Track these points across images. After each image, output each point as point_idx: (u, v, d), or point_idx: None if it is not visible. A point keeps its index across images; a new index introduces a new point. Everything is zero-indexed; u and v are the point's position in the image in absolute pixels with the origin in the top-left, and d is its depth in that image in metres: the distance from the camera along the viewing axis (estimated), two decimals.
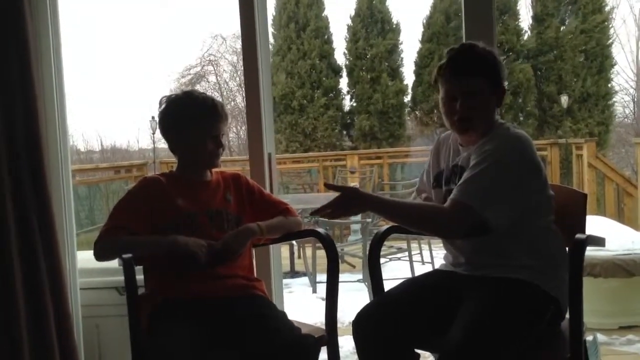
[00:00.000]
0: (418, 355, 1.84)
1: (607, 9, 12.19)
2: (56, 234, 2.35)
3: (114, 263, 1.90)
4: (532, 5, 12.53)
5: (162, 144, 2.40)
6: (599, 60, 12.00)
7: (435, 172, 2.01)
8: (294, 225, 2.16)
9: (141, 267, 2.01)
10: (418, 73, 12.37)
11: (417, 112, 12.41)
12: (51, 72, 2.46)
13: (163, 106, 2.06)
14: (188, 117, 2.01)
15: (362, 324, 1.82)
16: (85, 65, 20.26)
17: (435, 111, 11.64)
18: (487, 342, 1.58)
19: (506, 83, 1.88)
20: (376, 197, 1.83)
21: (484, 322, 1.63)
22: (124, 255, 1.82)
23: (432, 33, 12.11)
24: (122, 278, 1.80)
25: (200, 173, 2.09)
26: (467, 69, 1.80)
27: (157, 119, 2.12)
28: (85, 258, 2.55)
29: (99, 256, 1.94)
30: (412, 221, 1.81)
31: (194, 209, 2.00)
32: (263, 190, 2.22)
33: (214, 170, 2.13)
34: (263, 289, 2.08)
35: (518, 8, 12.28)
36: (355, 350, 1.87)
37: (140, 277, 1.94)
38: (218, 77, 18.51)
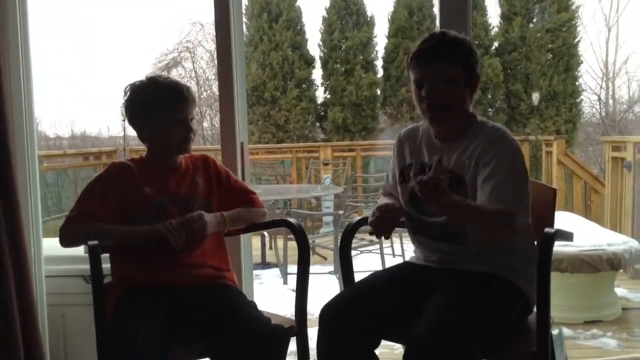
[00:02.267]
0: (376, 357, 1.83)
1: (573, 7, 12.34)
2: (21, 220, 2.30)
3: (80, 250, 1.85)
4: (500, 4, 12.63)
5: (133, 131, 2.34)
6: (566, 59, 12.11)
7: (400, 167, 1.97)
8: (257, 217, 2.14)
9: (107, 255, 1.98)
10: (385, 68, 12.40)
11: (387, 107, 12.44)
12: (18, 54, 2.39)
13: (127, 95, 2.00)
14: (154, 102, 1.95)
15: (329, 316, 1.80)
16: (57, 52, 19.82)
17: (404, 105, 11.72)
18: (454, 335, 1.57)
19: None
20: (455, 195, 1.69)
21: (451, 315, 1.62)
22: (90, 243, 1.78)
23: (397, 28, 12.13)
24: (88, 266, 1.76)
25: (170, 159, 2.05)
26: (441, 55, 1.76)
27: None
28: (51, 245, 2.50)
29: (65, 242, 1.90)
30: (477, 221, 1.71)
31: (163, 197, 1.97)
32: (231, 175, 2.17)
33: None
34: (233, 279, 2.07)
35: (486, 4, 12.39)
36: None
37: (107, 265, 1.91)
38: (195, 64, 18.25)
